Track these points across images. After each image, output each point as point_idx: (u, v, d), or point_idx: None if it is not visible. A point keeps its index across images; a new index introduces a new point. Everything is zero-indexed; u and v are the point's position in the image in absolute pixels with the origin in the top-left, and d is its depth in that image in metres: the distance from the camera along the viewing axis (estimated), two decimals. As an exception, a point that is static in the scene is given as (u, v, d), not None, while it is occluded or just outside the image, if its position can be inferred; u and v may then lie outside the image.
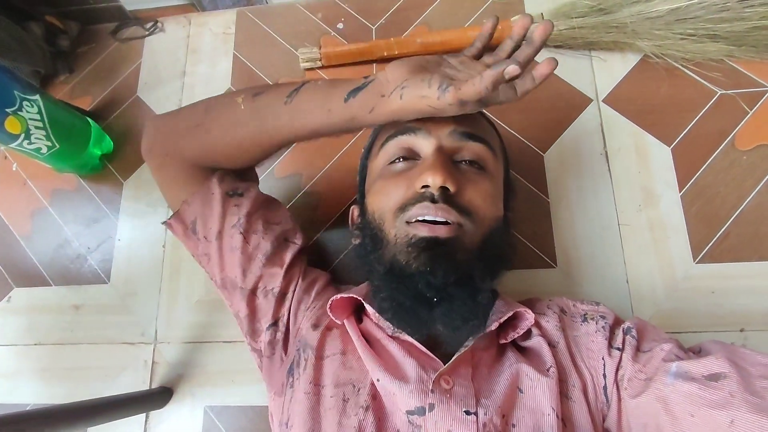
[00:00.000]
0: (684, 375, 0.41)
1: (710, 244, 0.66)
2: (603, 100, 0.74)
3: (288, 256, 0.55)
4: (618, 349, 0.46)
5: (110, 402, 0.61)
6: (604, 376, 0.46)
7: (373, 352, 0.47)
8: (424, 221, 0.45)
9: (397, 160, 0.50)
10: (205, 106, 0.53)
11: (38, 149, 0.70)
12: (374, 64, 0.81)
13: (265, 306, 0.54)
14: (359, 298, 0.50)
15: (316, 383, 0.47)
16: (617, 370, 0.45)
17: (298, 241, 0.58)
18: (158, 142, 0.54)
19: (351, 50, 0.79)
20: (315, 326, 0.52)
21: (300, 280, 0.56)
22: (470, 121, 0.51)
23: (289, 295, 0.55)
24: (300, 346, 0.51)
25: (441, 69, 0.45)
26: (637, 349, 0.46)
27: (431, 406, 0.42)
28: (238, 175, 0.58)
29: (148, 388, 0.70)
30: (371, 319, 0.51)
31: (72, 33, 0.90)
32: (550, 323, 0.50)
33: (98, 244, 0.79)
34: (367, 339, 0.50)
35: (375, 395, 0.45)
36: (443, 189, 0.45)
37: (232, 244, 0.53)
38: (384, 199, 0.49)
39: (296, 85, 0.49)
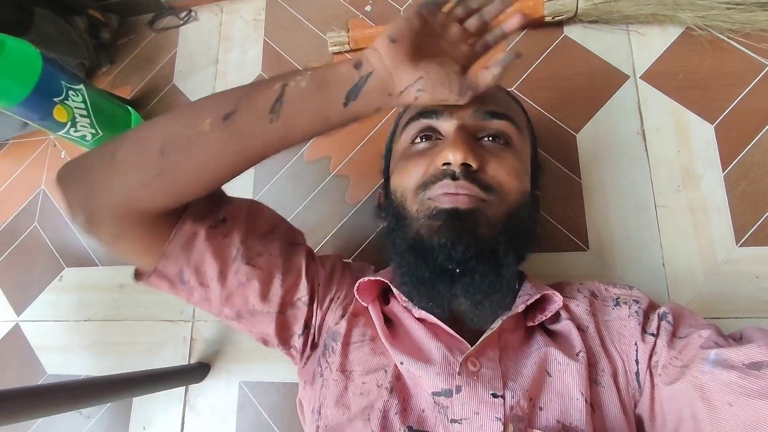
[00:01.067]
0: (723, 363, 0.39)
1: (755, 227, 0.63)
2: (641, 77, 0.71)
3: (301, 261, 0.51)
4: (652, 334, 0.45)
5: (153, 375, 0.65)
6: (637, 361, 0.45)
7: (392, 336, 0.47)
8: (445, 193, 0.45)
9: (419, 140, 0.50)
10: (159, 147, 0.39)
11: (83, 137, 0.74)
12: (402, 46, 0.80)
13: (296, 315, 0.51)
14: (386, 281, 0.50)
15: (344, 370, 0.48)
16: (651, 356, 0.44)
17: (299, 238, 0.55)
18: (103, 209, 0.40)
19: (379, 32, 0.78)
20: (342, 315, 0.52)
21: (320, 277, 0.53)
22: (493, 99, 0.50)
23: (316, 296, 0.52)
24: (329, 336, 0.51)
25: (447, 62, 0.43)
26: (673, 335, 0.44)
27: (458, 389, 0.42)
28: (207, 198, 0.46)
29: (187, 363, 0.74)
30: (398, 301, 0.51)
31: (112, 25, 0.94)
32: (580, 307, 0.49)
33: (140, 227, 0.83)
34: (393, 321, 0.51)
35: (398, 376, 0.45)
36: (465, 166, 0.45)
37: (239, 279, 0.47)
38: (406, 178, 0.49)
39: (275, 93, 0.40)
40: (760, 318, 0.59)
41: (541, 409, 0.42)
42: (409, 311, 0.49)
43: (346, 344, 0.49)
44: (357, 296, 0.51)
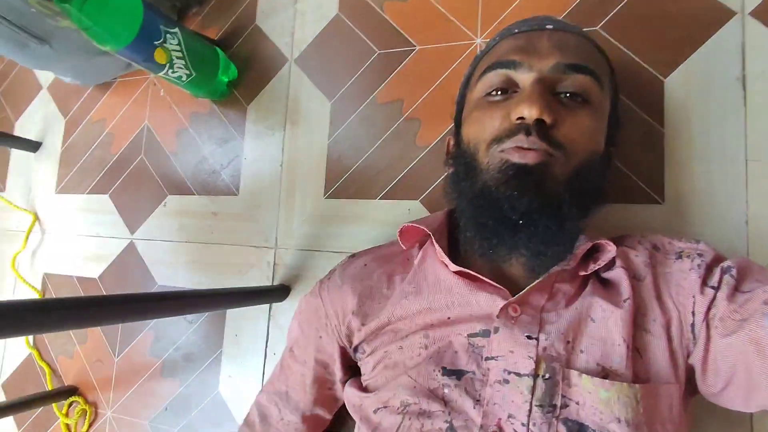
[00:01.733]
0: None
1: None
2: (750, 13, 0.63)
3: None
4: (713, 287, 0.45)
5: (242, 292, 0.76)
6: (693, 313, 0.45)
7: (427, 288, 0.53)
8: (516, 148, 0.46)
9: (495, 93, 0.50)
10: None
11: (179, 77, 0.82)
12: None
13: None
14: (428, 231, 0.53)
15: (380, 359, 0.53)
16: (709, 308, 0.44)
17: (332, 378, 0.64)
18: None
19: (457, -32, 0.76)
20: (362, 324, 0.56)
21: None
22: (575, 51, 0.49)
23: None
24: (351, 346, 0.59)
25: None
26: (735, 289, 0.44)
27: (496, 330, 0.46)
28: None
29: (270, 284, 0.84)
30: (435, 255, 0.54)
31: (200, -34, 0.98)
32: (639, 258, 0.49)
33: (229, 162, 0.92)
34: (431, 276, 0.54)
35: (427, 333, 0.50)
36: (539, 121, 0.45)
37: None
38: (479, 130, 0.50)
39: None
40: None
41: (582, 351, 0.45)
42: (446, 266, 0.52)
43: (371, 339, 0.56)
44: (399, 238, 0.56)
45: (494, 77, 0.50)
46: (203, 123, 0.95)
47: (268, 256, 0.85)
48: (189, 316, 0.91)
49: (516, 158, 0.46)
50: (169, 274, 0.94)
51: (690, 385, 0.47)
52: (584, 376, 0.43)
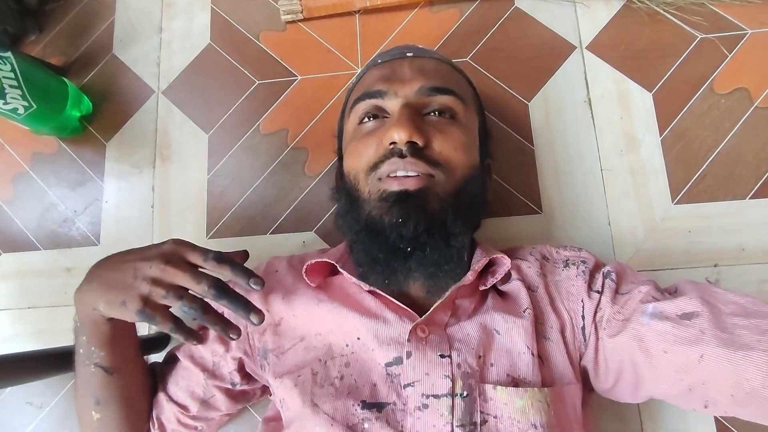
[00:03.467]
0: (659, 315, 0.43)
1: (688, 186, 0.68)
2: (587, 47, 0.74)
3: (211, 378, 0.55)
4: (597, 291, 0.49)
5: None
6: (583, 317, 0.49)
7: (353, 310, 0.50)
8: (395, 177, 0.47)
9: (367, 119, 0.52)
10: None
11: (14, 109, 0.68)
12: (357, 15, 0.79)
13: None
14: (332, 262, 0.52)
15: (283, 375, 0.49)
16: (596, 311, 0.48)
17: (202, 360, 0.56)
18: None
19: (333, 2, 0.77)
20: (262, 333, 0.53)
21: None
22: (436, 75, 0.52)
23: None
24: (260, 355, 0.53)
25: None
26: (616, 292, 0.48)
27: (408, 354, 0.45)
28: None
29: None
30: (345, 279, 0.53)
31: (38, -11, 0.86)
32: (532, 269, 0.52)
33: (85, 207, 0.78)
34: (343, 297, 0.52)
35: (347, 362, 0.48)
36: (411, 144, 0.46)
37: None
38: (357, 159, 0.50)
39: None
40: (694, 268, 0.66)
41: (492, 365, 0.46)
42: (359, 286, 0.51)
43: (280, 354, 0.52)
44: (306, 278, 0.53)
45: (363, 107, 0.52)
46: (49, 164, 0.81)
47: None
48: (35, 400, 0.73)
49: (395, 187, 0.47)
50: (7, 350, 0.75)
51: (586, 384, 0.50)
52: (499, 387, 0.43)
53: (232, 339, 0.46)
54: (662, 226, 0.67)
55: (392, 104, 0.50)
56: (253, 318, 0.44)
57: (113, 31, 0.85)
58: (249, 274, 0.45)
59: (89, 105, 0.81)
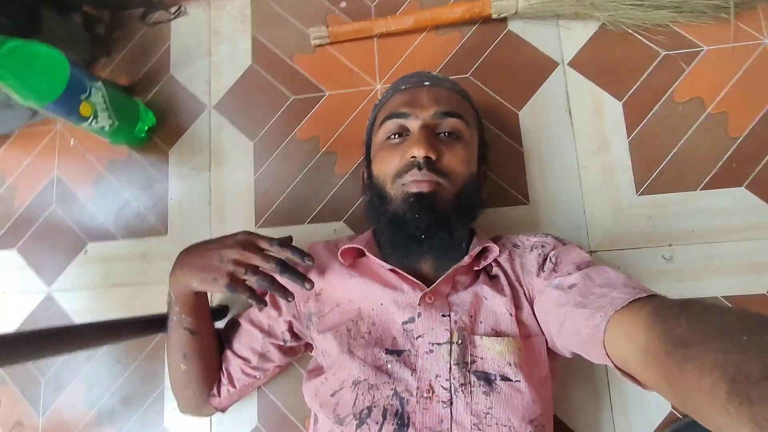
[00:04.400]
0: (558, 286, 0.58)
1: (650, 180, 0.83)
2: (568, 64, 0.89)
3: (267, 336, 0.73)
4: (542, 271, 0.63)
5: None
6: (533, 289, 0.64)
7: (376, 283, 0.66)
8: (413, 181, 0.63)
9: (393, 137, 0.67)
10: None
11: (102, 128, 0.85)
12: (375, 39, 0.94)
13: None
14: (361, 248, 0.68)
15: (324, 331, 0.66)
16: (538, 284, 0.63)
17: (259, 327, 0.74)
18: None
19: (355, 28, 0.92)
20: (306, 300, 0.71)
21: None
22: (447, 101, 0.67)
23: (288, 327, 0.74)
24: (306, 318, 0.71)
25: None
26: (552, 271, 0.62)
27: (419, 314, 0.61)
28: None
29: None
30: (371, 260, 0.69)
31: (105, 20, 1.02)
32: (503, 257, 0.67)
33: (154, 204, 0.96)
34: (369, 273, 0.69)
35: (373, 321, 0.64)
36: (427, 158, 0.62)
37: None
38: (385, 167, 0.66)
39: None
40: (653, 247, 0.81)
41: (481, 322, 0.62)
42: (382, 265, 0.67)
43: (321, 315, 0.68)
44: (341, 259, 0.70)
45: (391, 125, 0.68)
46: (123, 169, 0.98)
47: (206, 288, 0.90)
48: (122, 359, 0.91)
49: (414, 188, 0.63)
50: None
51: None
52: (484, 337, 0.59)
53: (290, 301, 0.64)
54: (628, 213, 0.83)
55: (413, 124, 0.66)
56: (307, 285, 0.63)
57: (170, 54, 1.01)
58: (303, 253, 0.63)
59: (153, 118, 0.97)
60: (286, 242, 0.64)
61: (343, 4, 0.97)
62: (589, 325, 0.49)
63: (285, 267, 0.62)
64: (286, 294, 0.63)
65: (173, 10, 1.02)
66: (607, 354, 0.47)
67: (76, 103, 0.78)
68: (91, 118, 0.82)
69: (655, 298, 0.46)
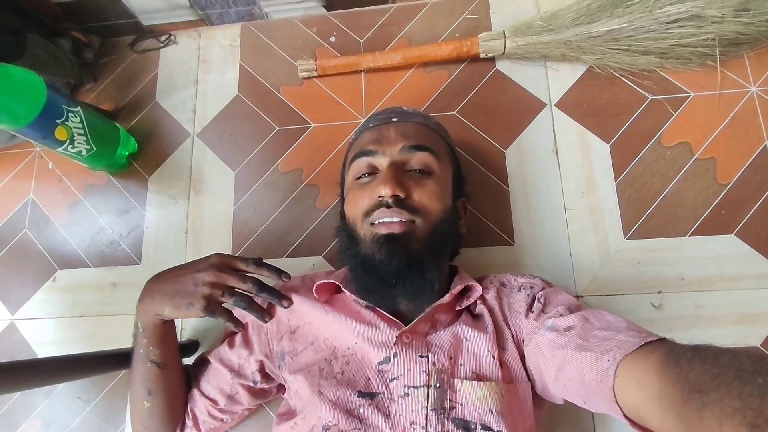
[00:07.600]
0: (553, 327, 0.56)
1: (638, 224, 0.81)
2: (555, 104, 0.88)
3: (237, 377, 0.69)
4: (531, 311, 0.61)
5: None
6: (522, 331, 0.61)
7: (353, 321, 0.63)
8: (383, 222, 0.60)
9: (363, 176, 0.66)
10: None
11: (79, 152, 0.83)
12: (362, 74, 0.94)
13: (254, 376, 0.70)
14: (338, 283, 0.66)
15: (296, 372, 0.62)
16: (527, 326, 0.60)
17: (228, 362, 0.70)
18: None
19: (342, 62, 0.92)
20: (280, 339, 0.67)
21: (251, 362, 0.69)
22: (416, 135, 0.66)
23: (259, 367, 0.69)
24: (278, 357, 0.67)
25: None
26: (541, 312, 0.60)
27: (395, 354, 0.58)
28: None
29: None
30: (348, 296, 0.66)
31: (94, 46, 1.02)
32: (490, 294, 0.65)
33: (129, 231, 0.93)
34: (345, 310, 0.66)
35: (348, 360, 0.61)
36: (395, 196, 0.60)
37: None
38: (354, 207, 0.64)
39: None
40: (641, 293, 0.78)
41: (461, 364, 0.58)
42: (358, 302, 0.64)
43: (295, 355, 0.65)
44: (315, 295, 0.67)
45: (360, 164, 0.66)
46: (100, 195, 0.95)
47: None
48: (83, 395, 0.86)
49: (383, 230, 0.60)
50: (61, 351, 0.88)
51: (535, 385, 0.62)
52: (465, 381, 0.56)
53: (266, 322, 0.64)
54: (615, 257, 0.80)
55: (381, 161, 0.64)
56: (285, 303, 0.63)
57: (157, 82, 1.00)
58: (279, 271, 0.63)
59: (135, 145, 0.96)
60: (260, 262, 0.63)
61: (332, 39, 0.97)
62: (595, 369, 0.46)
63: (262, 286, 0.62)
64: (263, 315, 0.63)
65: (163, 38, 1.02)
66: (616, 401, 0.44)
67: (52, 126, 0.77)
68: (67, 142, 0.80)
69: (665, 343, 0.44)
